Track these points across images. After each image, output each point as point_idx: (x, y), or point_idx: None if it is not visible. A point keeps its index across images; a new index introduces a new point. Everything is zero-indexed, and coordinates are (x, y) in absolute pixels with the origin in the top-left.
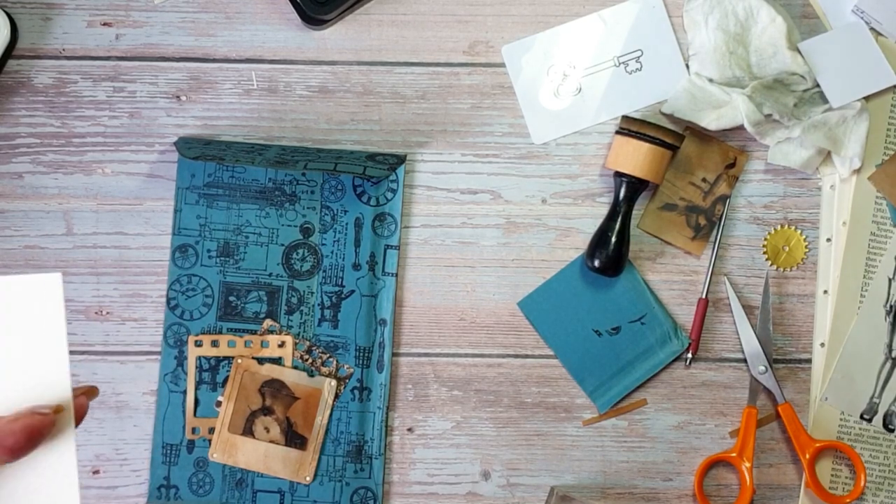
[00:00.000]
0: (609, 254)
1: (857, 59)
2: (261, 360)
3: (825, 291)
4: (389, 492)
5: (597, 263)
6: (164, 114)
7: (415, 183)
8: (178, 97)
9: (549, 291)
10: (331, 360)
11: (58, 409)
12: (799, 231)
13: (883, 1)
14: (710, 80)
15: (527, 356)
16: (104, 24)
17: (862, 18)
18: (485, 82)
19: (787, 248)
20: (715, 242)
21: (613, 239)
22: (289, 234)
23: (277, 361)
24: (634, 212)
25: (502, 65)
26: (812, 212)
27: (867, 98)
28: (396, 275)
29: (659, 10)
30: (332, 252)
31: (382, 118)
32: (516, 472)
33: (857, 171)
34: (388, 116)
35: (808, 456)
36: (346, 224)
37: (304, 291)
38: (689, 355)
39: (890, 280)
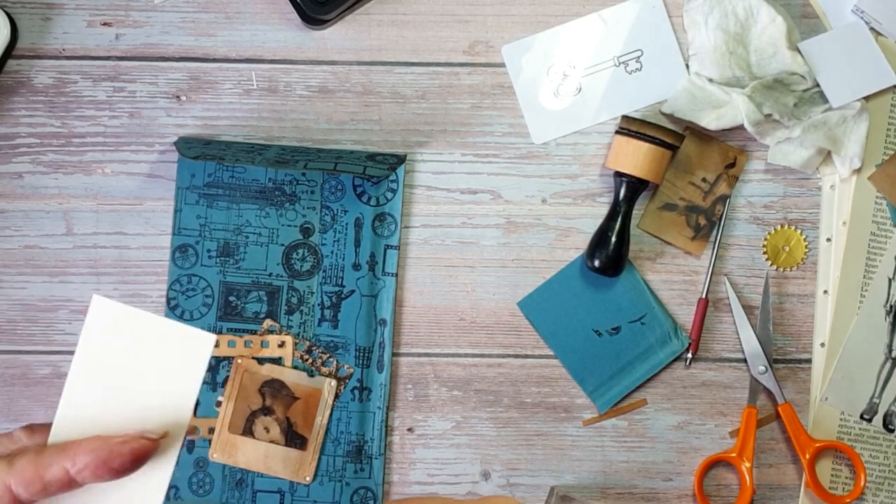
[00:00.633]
0: (609, 254)
1: (857, 59)
2: (261, 360)
3: (825, 291)
4: (389, 492)
5: (597, 263)
6: (164, 114)
7: (415, 183)
8: (178, 97)
9: (549, 291)
10: (331, 360)
11: (163, 436)
12: (799, 231)
13: (883, 1)
14: (710, 80)
15: (527, 356)
16: (104, 24)
17: (862, 18)
18: (485, 82)
19: (787, 248)
20: (715, 242)
21: (613, 239)
22: (289, 234)
23: (277, 361)
24: (634, 212)
25: (502, 65)
26: (812, 212)
27: (867, 98)
28: (396, 275)
29: (659, 10)
30: (332, 252)
31: (382, 118)
32: (516, 472)
33: (857, 171)
34: (388, 116)
35: (808, 456)
36: (346, 224)
37: (304, 291)
38: (689, 355)
39: (890, 280)
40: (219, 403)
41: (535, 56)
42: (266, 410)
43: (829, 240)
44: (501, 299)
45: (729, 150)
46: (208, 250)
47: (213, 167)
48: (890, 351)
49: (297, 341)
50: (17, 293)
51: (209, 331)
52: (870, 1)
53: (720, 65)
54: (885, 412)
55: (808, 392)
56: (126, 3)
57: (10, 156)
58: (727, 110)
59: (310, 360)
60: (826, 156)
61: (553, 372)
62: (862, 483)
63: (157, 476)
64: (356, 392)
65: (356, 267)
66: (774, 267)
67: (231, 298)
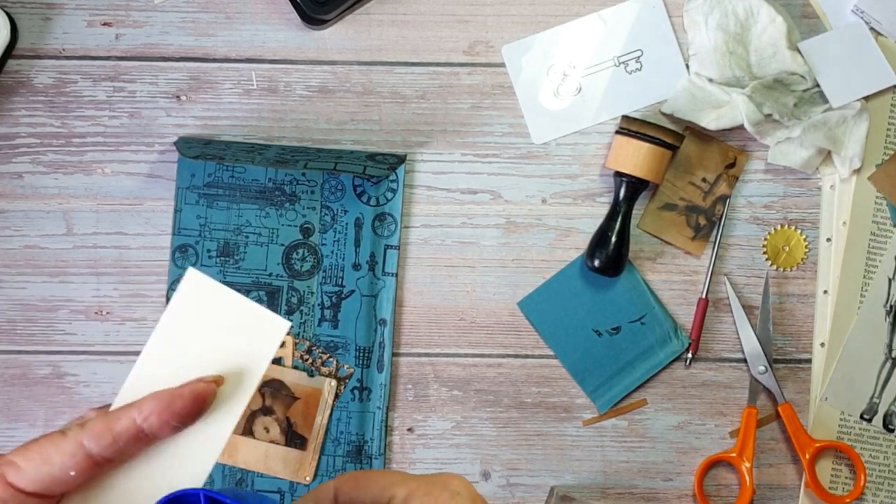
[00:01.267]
0: (609, 254)
1: (857, 59)
2: None
3: (825, 291)
4: None
5: (597, 263)
6: (164, 114)
7: (415, 183)
8: (178, 97)
9: (549, 291)
10: (331, 360)
11: (218, 381)
12: (799, 231)
13: (883, 1)
14: (710, 80)
15: (527, 356)
16: (104, 24)
17: (862, 18)
18: (485, 82)
19: (787, 248)
20: (715, 242)
21: (613, 239)
22: (289, 234)
23: (277, 361)
24: (634, 212)
25: (502, 65)
26: (812, 212)
27: (867, 98)
28: (396, 275)
29: (659, 10)
30: (332, 252)
31: (382, 118)
32: (516, 472)
33: (857, 171)
34: (388, 116)
35: (808, 456)
36: (346, 224)
37: (304, 291)
38: (689, 355)
39: (890, 280)
40: None
41: (535, 56)
42: (266, 410)
43: (829, 240)
44: (501, 299)
45: (729, 150)
46: (208, 250)
47: (213, 167)
48: (890, 351)
49: (297, 341)
50: (17, 293)
51: None
52: (870, 1)
53: (720, 65)
54: (885, 412)
55: (808, 392)
56: (126, 3)
57: (10, 156)
58: (727, 110)
59: (310, 360)
60: (826, 156)
61: (553, 372)
62: (862, 483)
63: (217, 431)
64: (356, 392)
65: (356, 267)
66: (774, 267)
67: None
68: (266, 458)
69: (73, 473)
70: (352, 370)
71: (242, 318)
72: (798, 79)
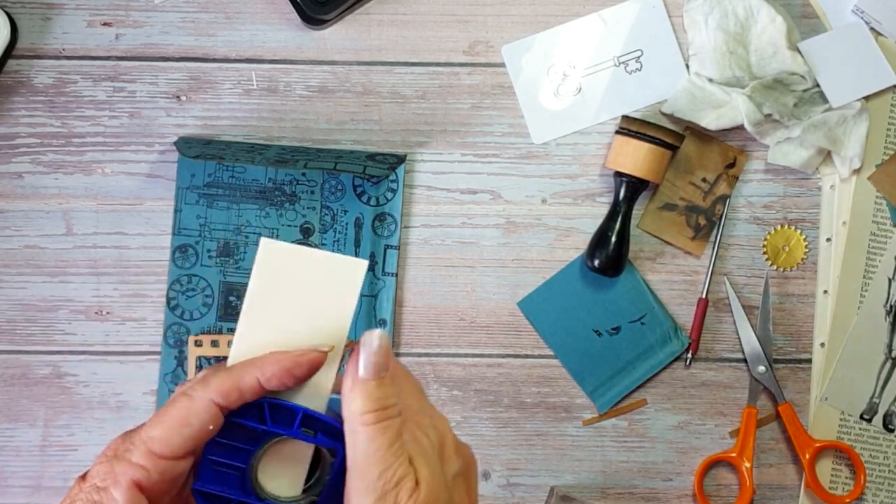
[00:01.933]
0: (609, 254)
1: (857, 59)
2: None
3: (825, 291)
4: None
5: (597, 263)
6: (164, 114)
7: (415, 183)
8: (178, 97)
9: (549, 291)
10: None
11: (331, 349)
12: (799, 231)
13: (883, 1)
14: (710, 80)
15: (527, 356)
16: (104, 24)
17: (862, 18)
18: (485, 82)
19: (787, 248)
20: (715, 242)
21: (613, 239)
22: (289, 234)
23: None
24: (634, 212)
25: (502, 65)
26: (812, 212)
27: (867, 98)
28: (396, 275)
29: (659, 10)
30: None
31: (382, 118)
32: (516, 472)
33: (857, 171)
34: (388, 116)
35: (808, 456)
36: (346, 224)
37: None
38: (689, 355)
39: (890, 280)
40: None
41: (535, 56)
42: None
43: (829, 240)
44: (501, 299)
45: (729, 150)
46: (208, 250)
47: (213, 167)
48: (890, 351)
49: None
50: (17, 293)
51: (209, 331)
52: (870, 1)
53: (720, 65)
54: (884, 412)
55: (808, 392)
56: (126, 3)
57: (10, 156)
58: (727, 110)
59: None
60: (826, 156)
61: (553, 372)
62: (862, 483)
63: (322, 380)
64: None
65: None
66: (774, 267)
67: (231, 298)
68: None
69: (211, 427)
70: None
71: (321, 270)
72: (798, 79)
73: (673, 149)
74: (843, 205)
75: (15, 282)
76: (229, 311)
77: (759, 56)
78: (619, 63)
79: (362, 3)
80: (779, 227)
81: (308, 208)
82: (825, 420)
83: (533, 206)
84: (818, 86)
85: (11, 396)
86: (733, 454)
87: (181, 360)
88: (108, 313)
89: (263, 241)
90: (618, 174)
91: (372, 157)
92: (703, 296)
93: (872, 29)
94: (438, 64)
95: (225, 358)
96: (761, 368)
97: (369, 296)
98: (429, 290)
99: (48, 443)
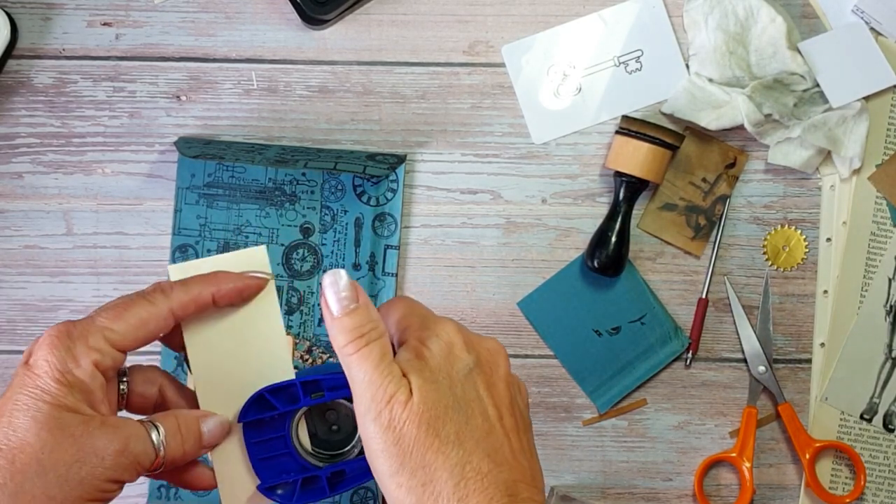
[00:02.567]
0: (609, 254)
1: (857, 59)
2: None
3: (825, 291)
4: None
5: (597, 263)
6: (164, 114)
7: (415, 183)
8: (178, 97)
9: (549, 291)
10: (331, 360)
11: (271, 276)
12: (799, 231)
13: (883, 1)
14: (710, 80)
15: (527, 356)
16: (104, 24)
17: (862, 18)
18: (485, 82)
19: (787, 248)
20: (715, 242)
21: (613, 239)
22: (289, 234)
23: None
24: (634, 212)
25: (502, 65)
26: (812, 212)
27: (867, 98)
28: (396, 275)
29: (659, 10)
30: (332, 252)
31: (382, 118)
32: None
33: (857, 171)
34: (388, 116)
35: (808, 456)
36: (346, 224)
37: (304, 291)
38: (689, 355)
39: (890, 280)
40: None
41: (535, 56)
42: None
43: (829, 240)
44: (501, 299)
45: (729, 150)
46: (208, 250)
47: (214, 167)
48: (890, 351)
49: (297, 341)
50: (17, 293)
51: None
52: (870, 1)
53: (720, 65)
54: (885, 412)
55: (808, 392)
56: (126, 3)
57: (10, 156)
58: (727, 110)
59: (310, 361)
60: (826, 156)
61: (553, 372)
62: (862, 483)
63: (268, 307)
64: None
65: (356, 267)
66: (774, 267)
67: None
68: None
69: (162, 335)
70: None
71: (233, 269)
72: (798, 79)
73: (673, 149)
74: (843, 205)
75: (15, 282)
76: None
77: (759, 56)
78: (619, 63)
79: (362, 3)
80: (779, 227)
81: (308, 208)
82: (825, 420)
83: (533, 206)
84: (818, 86)
85: None
86: (733, 454)
87: (181, 361)
88: None
89: (170, 268)
90: (618, 174)
91: (372, 157)
92: (703, 296)
93: (872, 29)
94: (438, 64)
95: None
96: (761, 368)
97: (370, 296)
98: (429, 290)
99: None
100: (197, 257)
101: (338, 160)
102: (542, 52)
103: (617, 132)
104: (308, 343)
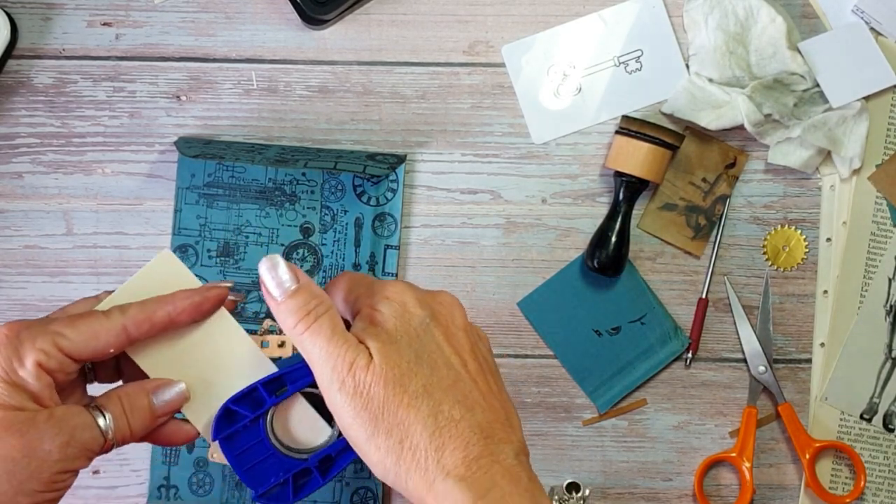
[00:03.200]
0: (609, 254)
1: (857, 59)
2: None
3: (825, 291)
4: (390, 492)
5: (597, 263)
6: (164, 114)
7: (415, 183)
8: (178, 97)
9: (549, 291)
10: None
11: (230, 283)
12: (799, 231)
13: (883, 1)
14: (710, 80)
15: (527, 356)
16: (104, 24)
17: (862, 18)
18: (485, 82)
19: (787, 248)
20: (715, 242)
21: (613, 239)
22: (289, 234)
23: (277, 361)
24: (634, 212)
25: (502, 65)
26: (812, 212)
27: (867, 98)
28: (396, 275)
29: (659, 10)
30: (332, 252)
31: (382, 118)
32: None
33: (857, 171)
34: (388, 116)
35: (808, 456)
36: (346, 224)
37: None
38: (689, 355)
39: (890, 280)
40: None
41: (535, 56)
42: None
43: (829, 240)
44: (501, 299)
45: (729, 150)
46: (208, 250)
47: (214, 167)
48: (890, 351)
49: None
50: (17, 293)
51: None
52: (870, 1)
53: (720, 65)
54: (884, 412)
55: (808, 392)
56: (126, 3)
57: (10, 156)
58: (727, 110)
59: None
60: (826, 156)
61: (553, 372)
62: (862, 483)
63: (252, 351)
64: None
65: (356, 267)
66: (774, 267)
67: (231, 298)
68: None
69: (112, 350)
70: None
71: (155, 282)
72: (798, 79)
73: (673, 149)
74: (843, 205)
75: (15, 282)
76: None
77: (759, 56)
78: (619, 63)
79: (362, 3)
80: (779, 227)
81: (308, 208)
82: (825, 420)
83: (533, 206)
84: (818, 86)
85: None
86: (733, 454)
87: None
88: None
89: (105, 300)
90: (618, 174)
91: (372, 156)
92: (703, 296)
93: (872, 29)
94: (438, 64)
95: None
96: (761, 368)
97: None
98: None
99: None
100: (197, 258)
101: (338, 160)
102: (542, 52)
103: (617, 132)
104: None
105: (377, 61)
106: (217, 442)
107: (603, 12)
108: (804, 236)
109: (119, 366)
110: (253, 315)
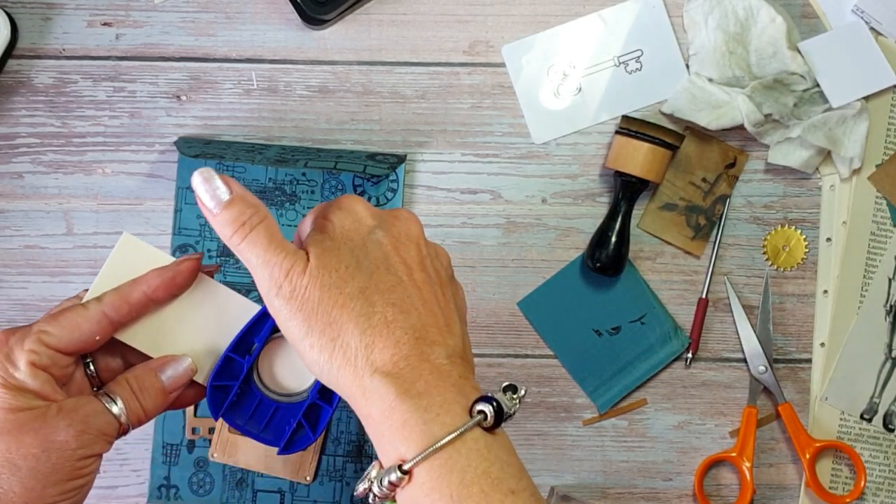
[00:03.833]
0: (609, 254)
1: (857, 59)
2: None
3: (825, 291)
4: None
5: (597, 263)
6: (164, 114)
7: (415, 183)
8: (178, 97)
9: (549, 291)
10: None
11: (200, 255)
12: (799, 231)
13: (883, 1)
14: (710, 80)
15: (527, 356)
16: (104, 24)
17: (862, 18)
18: (485, 82)
19: (787, 248)
20: (715, 242)
21: (613, 239)
22: (289, 234)
23: None
24: (634, 212)
25: (502, 65)
26: (812, 212)
27: (867, 98)
28: None
29: (659, 10)
30: None
31: (382, 118)
32: None
33: (857, 171)
34: (388, 116)
35: (808, 456)
36: None
37: None
38: (689, 355)
39: (890, 280)
40: None
41: (535, 56)
42: None
43: (829, 240)
44: (501, 299)
45: (729, 150)
46: (208, 250)
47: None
48: (890, 351)
49: None
50: (17, 293)
51: None
52: (870, 1)
53: (720, 65)
54: (885, 412)
55: (808, 392)
56: (126, 3)
57: (10, 156)
58: (727, 110)
59: None
60: (826, 156)
61: (553, 372)
62: (862, 483)
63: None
64: None
65: None
66: (774, 267)
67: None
68: (266, 458)
69: (98, 338)
70: None
71: (123, 267)
72: (798, 79)
73: (673, 149)
74: (843, 205)
75: (15, 282)
76: None
77: (759, 56)
78: (619, 63)
79: (362, 3)
80: (779, 227)
81: (308, 208)
82: (825, 420)
83: (533, 206)
84: (818, 86)
85: None
86: (733, 454)
87: None
88: None
89: (84, 296)
90: (618, 174)
91: (372, 156)
92: (703, 296)
93: (872, 29)
94: (438, 64)
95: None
96: (761, 368)
97: None
98: None
99: None
100: None
101: (338, 160)
102: (542, 52)
103: (617, 132)
104: None
105: (377, 61)
106: (223, 420)
107: (603, 12)
108: (804, 236)
109: (127, 365)
110: None
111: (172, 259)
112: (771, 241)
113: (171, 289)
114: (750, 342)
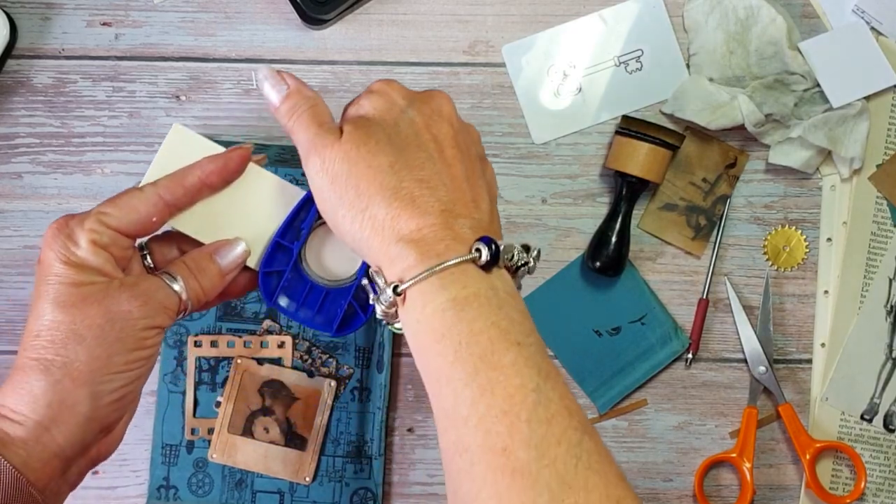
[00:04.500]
0: (609, 254)
1: (858, 59)
2: (260, 361)
3: (825, 291)
4: (389, 492)
5: (597, 263)
6: (163, 114)
7: None
8: (177, 97)
9: (549, 291)
10: (330, 360)
11: (250, 146)
12: (799, 231)
13: (883, 1)
14: (711, 80)
15: None
16: (104, 24)
17: (862, 18)
18: (485, 82)
19: (787, 248)
20: (715, 242)
21: (613, 239)
22: None
23: (277, 362)
24: (634, 212)
25: (502, 65)
26: (812, 212)
27: (867, 98)
28: None
29: (659, 10)
30: None
31: None
32: None
33: (858, 171)
34: None
35: (808, 456)
36: None
37: None
38: (690, 355)
39: (890, 280)
40: (218, 404)
41: (535, 56)
42: (266, 411)
43: (829, 240)
44: None
45: (729, 150)
46: None
47: None
48: (890, 351)
49: (297, 341)
50: (17, 293)
51: (208, 332)
52: (870, 1)
53: (720, 65)
54: (885, 412)
55: (809, 392)
56: (126, 3)
57: (10, 156)
58: (727, 110)
59: (309, 361)
60: (826, 156)
61: None
62: (862, 483)
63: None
64: (356, 392)
65: None
66: (774, 267)
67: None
68: (266, 458)
69: (154, 219)
70: (352, 370)
71: (176, 155)
72: (798, 79)
73: (673, 149)
74: (843, 205)
75: (15, 282)
76: (229, 312)
77: (759, 56)
78: (620, 63)
79: (362, 3)
80: (779, 228)
81: None
82: (825, 420)
83: (533, 206)
84: (818, 86)
85: None
86: (733, 454)
87: (181, 361)
88: None
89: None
90: (618, 174)
91: None
92: (704, 296)
93: (873, 29)
94: (438, 64)
95: (225, 358)
96: (761, 368)
97: None
98: None
99: None
100: None
101: None
102: (542, 52)
103: (617, 132)
104: (308, 343)
105: (377, 61)
106: (276, 307)
107: (603, 12)
108: (804, 236)
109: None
110: (253, 315)
111: (222, 149)
112: (771, 241)
113: (224, 175)
114: (750, 342)
